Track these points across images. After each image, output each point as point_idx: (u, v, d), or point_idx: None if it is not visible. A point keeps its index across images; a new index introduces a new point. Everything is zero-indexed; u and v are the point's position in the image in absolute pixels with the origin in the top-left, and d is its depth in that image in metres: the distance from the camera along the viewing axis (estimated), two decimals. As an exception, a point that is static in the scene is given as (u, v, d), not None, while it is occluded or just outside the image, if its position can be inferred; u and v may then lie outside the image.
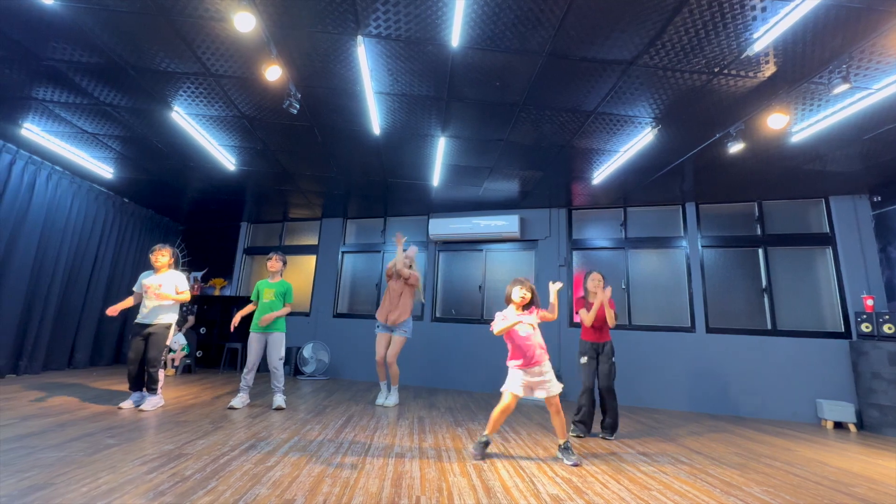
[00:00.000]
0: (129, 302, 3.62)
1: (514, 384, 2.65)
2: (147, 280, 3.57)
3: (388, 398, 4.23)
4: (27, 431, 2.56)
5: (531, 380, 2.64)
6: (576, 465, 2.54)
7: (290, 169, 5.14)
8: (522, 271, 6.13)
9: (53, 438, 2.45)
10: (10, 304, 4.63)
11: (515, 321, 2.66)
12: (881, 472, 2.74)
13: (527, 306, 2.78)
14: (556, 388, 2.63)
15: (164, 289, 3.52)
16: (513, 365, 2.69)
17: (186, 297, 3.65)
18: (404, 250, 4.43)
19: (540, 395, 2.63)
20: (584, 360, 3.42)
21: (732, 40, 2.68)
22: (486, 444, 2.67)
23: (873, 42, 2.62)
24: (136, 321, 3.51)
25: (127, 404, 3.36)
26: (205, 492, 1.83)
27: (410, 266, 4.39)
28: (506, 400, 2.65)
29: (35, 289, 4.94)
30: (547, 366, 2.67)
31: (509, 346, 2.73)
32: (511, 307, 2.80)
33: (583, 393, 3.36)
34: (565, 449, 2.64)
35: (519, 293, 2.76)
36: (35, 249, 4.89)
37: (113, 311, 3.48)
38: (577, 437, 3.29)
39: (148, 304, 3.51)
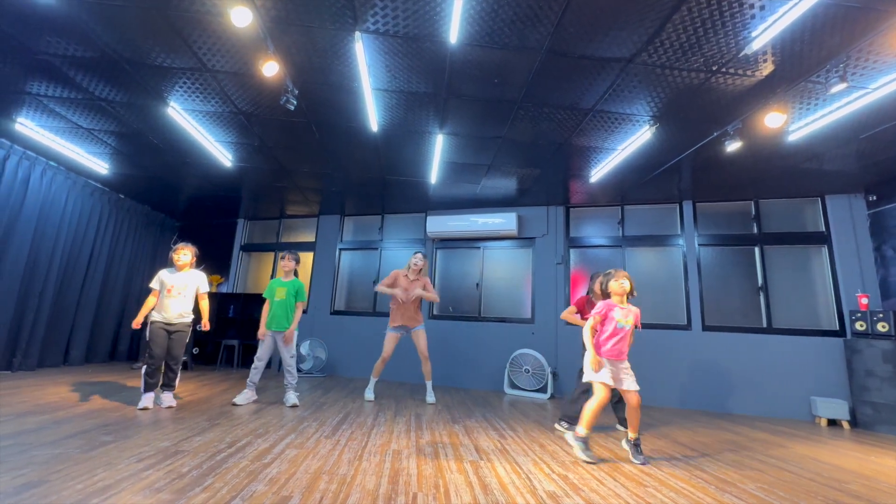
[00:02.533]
0: (150, 303, 3.46)
1: (604, 374, 2.63)
2: (170, 280, 3.48)
3: (429, 396, 4.33)
4: (22, 428, 2.55)
5: (615, 371, 2.64)
6: (644, 463, 2.58)
7: (287, 166, 5.12)
8: (520, 269, 6.14)
9: (48, 435, 2.44)
10: (4, 300, 4.60)
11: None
12: (875, 469, 2.76)
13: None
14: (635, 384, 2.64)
15: (188, 292, 3.53)
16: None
17: (205, 303, 3.64)
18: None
19: (624, 386, 2.62)
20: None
21: (731, 39, 2.68)
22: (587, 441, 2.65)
23: (871, 41, 2.62)
24: (156, 320, 3.40)
25: (147, 403, 3.24)
26: (201, 489, 1.82)
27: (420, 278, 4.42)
28: (601, 393, 2.62)
29: (29, 285, 4.90)
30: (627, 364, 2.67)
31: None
32: (614, 300, 2.74)
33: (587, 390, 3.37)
34: (635, 445, 2.66)
35: (623, 286, 2.70)
36: (29, 246, 4.85)
37: (137, 323, 3.39)
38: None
39: (171, 303, 3.43)
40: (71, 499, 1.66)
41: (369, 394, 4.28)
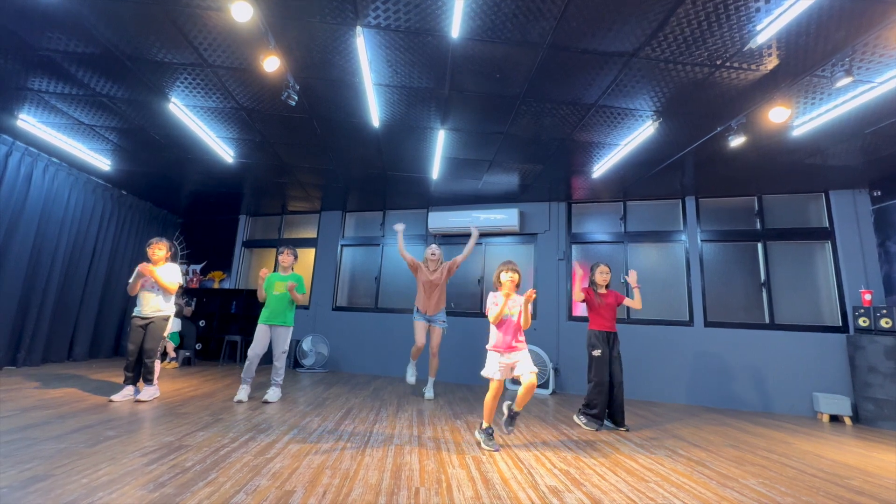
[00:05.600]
0: (137, 286, 3.55)
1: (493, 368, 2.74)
2: None
3: (428, 391, 4.35)
4: (27, 423, 2.57)
5: (507, 362, 2.74)
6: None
7: (288, 161, 5.11)
8: (521, 264, 6.12)
9: (53, 430, 2.46)
10: (8, 296, 4.62)
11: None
12: (876, 465, 2.76)
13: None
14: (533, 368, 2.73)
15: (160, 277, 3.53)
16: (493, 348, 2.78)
17: (173, 288, 3.61)
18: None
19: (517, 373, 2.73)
20: (597, 352, 3.42)
21: (735, 32, 2.65)
22: (490, 432, 2.74)
23: (877, 35, 2.59)
24: (134, 315, 3.54)
25: (118, 397, 3.36)
26: (205, 483, 1.83)
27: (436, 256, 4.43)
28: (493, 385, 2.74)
29: (33, 281, 4.92)
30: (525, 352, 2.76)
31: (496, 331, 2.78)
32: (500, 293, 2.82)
33: (598, 386, 3.36)
34: (511, 418, 2.85)
35: (507, 275, 2.78)
36: (32, 242, 4.87)
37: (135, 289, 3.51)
38: (596, 431, 3.29)
39: (146, 297, 3.53)
40: (76, 493, 1.67)
41: (411, 378, 4.32)
